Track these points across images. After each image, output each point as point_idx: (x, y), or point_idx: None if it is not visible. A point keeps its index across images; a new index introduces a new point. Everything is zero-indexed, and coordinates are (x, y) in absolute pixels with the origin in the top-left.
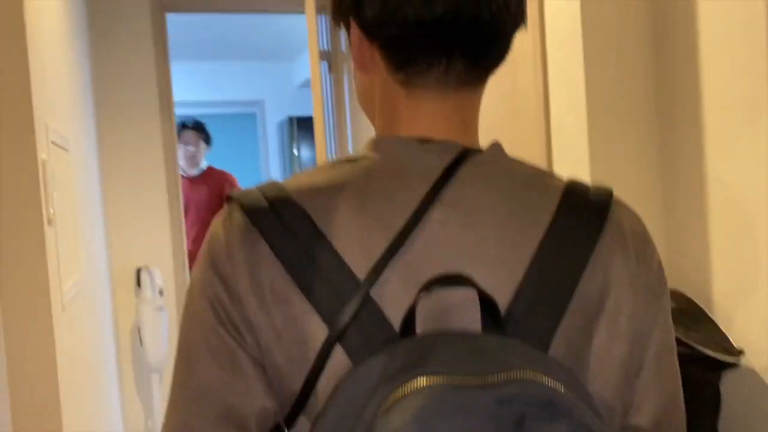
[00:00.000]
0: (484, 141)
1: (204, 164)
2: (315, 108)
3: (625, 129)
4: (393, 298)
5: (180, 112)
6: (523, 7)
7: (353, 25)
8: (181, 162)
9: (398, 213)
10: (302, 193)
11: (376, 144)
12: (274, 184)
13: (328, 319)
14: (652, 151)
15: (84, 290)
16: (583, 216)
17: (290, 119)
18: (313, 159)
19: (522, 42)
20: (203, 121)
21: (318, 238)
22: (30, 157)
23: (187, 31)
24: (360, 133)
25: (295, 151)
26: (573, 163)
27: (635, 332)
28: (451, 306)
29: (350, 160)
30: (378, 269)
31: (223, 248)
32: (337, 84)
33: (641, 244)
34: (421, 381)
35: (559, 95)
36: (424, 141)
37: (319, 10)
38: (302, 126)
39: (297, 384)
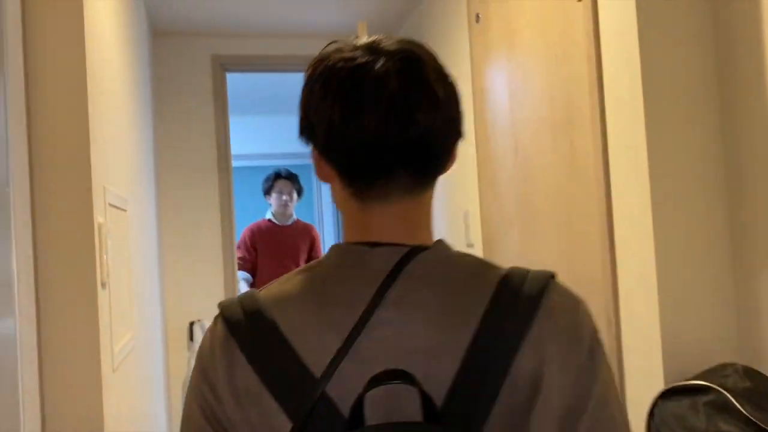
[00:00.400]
0: (542, 209)
1: (293, 215)
2: None
3: (690, 193)
4: (348, 392)
5: (237, 164)
6: (455, 123)
7: (312, 146)
8: (275, 210)
9: (350, 315)
10: (271, 303)
11: (335, 250)
12: (251, 296)
13: (292, 415)
14: (721, 219)
15: (137, 347)
16: (514, 307)
17: None
18: None
19: (580, 103)
20: (295, 172)
21: (283, 344)
22: (86, 221)
23: (245, 87)
24: None
25: None
26: (636, 228)
27: (568, 410)
28: (398, 398)
29: (311, 268)
30: (332, 367)
31: (208, 355)
32: None
33: (573, 329)
34: None
35: (619, 157)
36: (374, 245)
37: None
38: None
39: None
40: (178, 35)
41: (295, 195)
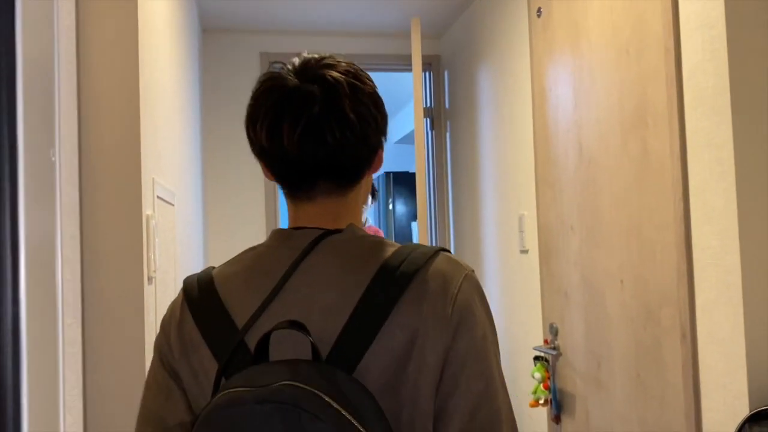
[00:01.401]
0: (608, 214)
1: (367, 218)
2: (417, 165)
3: None
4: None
5: None
6: (367, 139)
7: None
8: None
9: (271, 282)
10: (218, 274)
11: (272, 233)
12: (206, 272)
13: (219, 359)
14: None
15: None
16: (393, 276)
17: (387, 174)
18: (407, 213)
19: (654, 99)
20: None
21: (219, 305)
22: (135, 213)
23: None
24: (460, 187)
25: (390, 206)
26: (718, 234)
27: (439, 358)
28: (298, 344)
29: (254, 247)
30: (251, 321)
31: (168, 316)
32: (438, 140)
33: (441, 295)
34: (222, 395)
35: (699, 156)
36: (299, 229)
37: (424, 68)
38: (398, 181)
39: (204, 403)
40: (227, 32)
41: (369, 198)
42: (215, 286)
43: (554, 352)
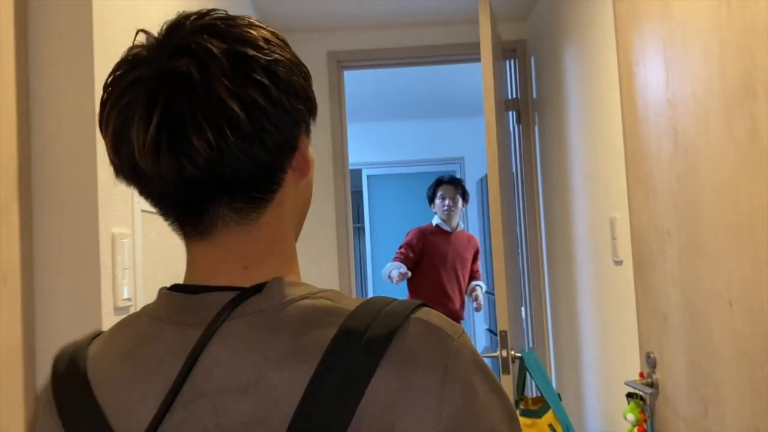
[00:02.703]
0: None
1: (459, 222)
2: (489, 163)
3: None
4: None
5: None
6: (267, 136)
7: None
8: (439, 215)
9: (162, 383)
10: (94, 363)
11: (158, 297)
12: (78, 351)
13: None
14: None
15: None
16: (353, 358)
17: (481, 180)
18: (510, 216)
19: (764, 63)
20: (458, 177)
21: (96, 414)
22: (89, 231)
23: (387, 92)
24: (551, 188)
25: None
26: None
27: None
28: None
29: (134, 321)
30: None
31: (36, 412)
32: (526, 135)
33: (431, 371)
34: None
35: None
36: (195, 290)
37: (504, 55)
38: None
39: None
40: (292, 32)
41: (459, 200)
42: (89, 379)
43: (649, 390)
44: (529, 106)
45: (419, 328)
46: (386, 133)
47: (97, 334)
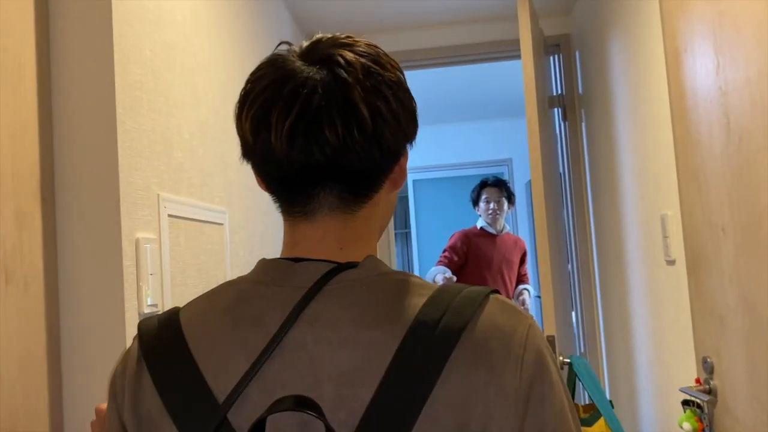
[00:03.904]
0: None
1: (505, 225)
2: (532, 163)
3: None
4: (251, 417)
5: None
6: (384, 141)
7: None
8: (484, 219)
9: (261, 336)
10: (187, 321)
11: (259, 265)
12: (170, 315)
13: None
14: None
15: None
16: (430, 341)
17: (528, 183)
18: (558, 218)
19: None
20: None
21: (190, 367)
22: (112, 236)
23: (430, 95)
24: (600, 186)
25: None
26: None
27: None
28: (305, 426)
29: (233, 283)
30: (236, 393)
31: (119, 378)
32: (573, 133)
33: (502, 357)
34: None
35: None
36: (297, 260)
37: (548, 50)
38: None
39: None
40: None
41: (505, 203)
42: (184, 337)
43: (707, 397)
44: (575, 103)
45: (500, 302)
46: (431, 137)
47: (177, 309)
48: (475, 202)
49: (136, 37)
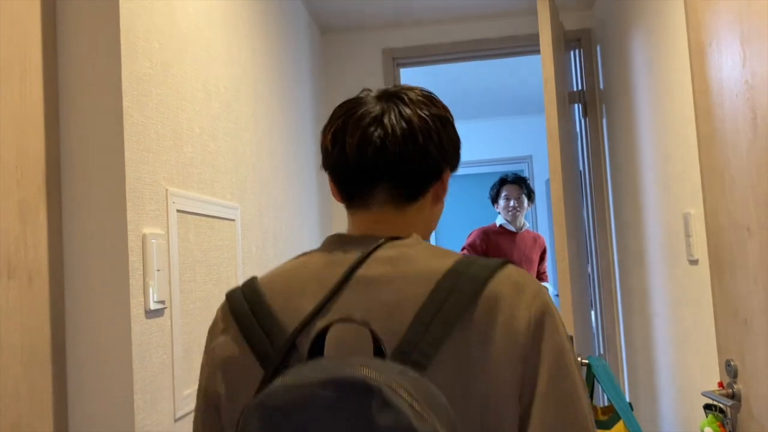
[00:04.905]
0: None
1: (524, 222)
2: (551, 158)
3: None
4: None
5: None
6: (429, 156)
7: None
8: (503, 216)
9: (324, 287)
10: (265, 284)
11: (327, 238)
12: (251, 280)
13: (267, 367)
14: None
15: None
16: (460, 284)
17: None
18: (577, 216)
19: None
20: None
21: (268, 312)
22: (118, 231)
23: (449, 92)
24: (621, 184)
25: None
26: None
27: (515, 369)
28: (359, 341)
29: (306, 253)
30: (303, 325)
31: (212, 330)
32: (593, 129)
33: (516, 301)
34: (276, 382)
35: None
36: (355, 235)
37: (568, 45)
38: None
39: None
40: (347, 31)
41: (525, 200)
42: (261, 293)
43: (730, 402)
44: (596, 98)
45: (517, 268)
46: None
47: (255, 278)
48: (495, 200)
49: (145, 29)
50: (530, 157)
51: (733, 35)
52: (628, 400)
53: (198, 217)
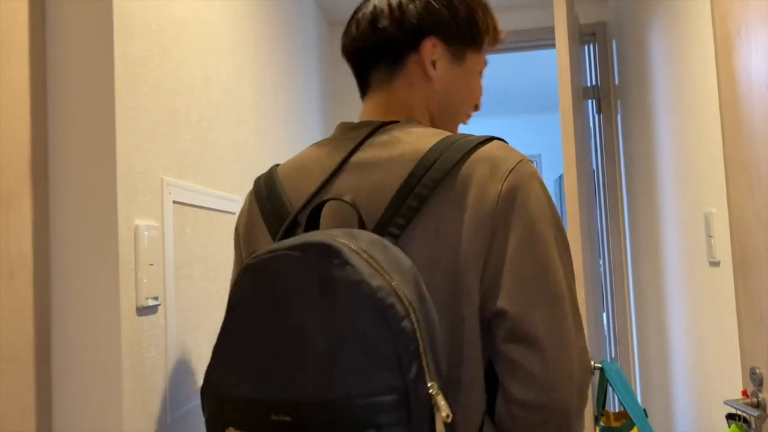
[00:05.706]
0: None
1: None
2: (566, 156)
3: None
4: None
5: None
6: (409, 29)
7: None
8: None
9: (326, 170)
10: (281, 170)
11: (337, 128)
12: (272, 168)
13: (274, 236)
14: None
15: None
16: (435, 163)
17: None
18: (589, 215)
19: None
20: None
21: (278, 192)
22: (106, 223)
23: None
24: (636, 182)
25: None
26: None
27: (485, 244)
28: (348, 216)
29: (317, 143)
30: (306, 204)
31: (242, 211)
32: (608, 125)
33: (489, 177)
34: (263, 248)
35: None
36: (360, 122)
37: (583, 39)
38: None
39: None
40: None
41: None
42: (277, 178)
43: (756, 411)
44: (611, 94)
45: (503, 144)
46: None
47: (274, 165)
48: None
49: (141, 10)
50: (539, 155)
51: (763, 23)
52: (641, 405)
53: (196, 209)
